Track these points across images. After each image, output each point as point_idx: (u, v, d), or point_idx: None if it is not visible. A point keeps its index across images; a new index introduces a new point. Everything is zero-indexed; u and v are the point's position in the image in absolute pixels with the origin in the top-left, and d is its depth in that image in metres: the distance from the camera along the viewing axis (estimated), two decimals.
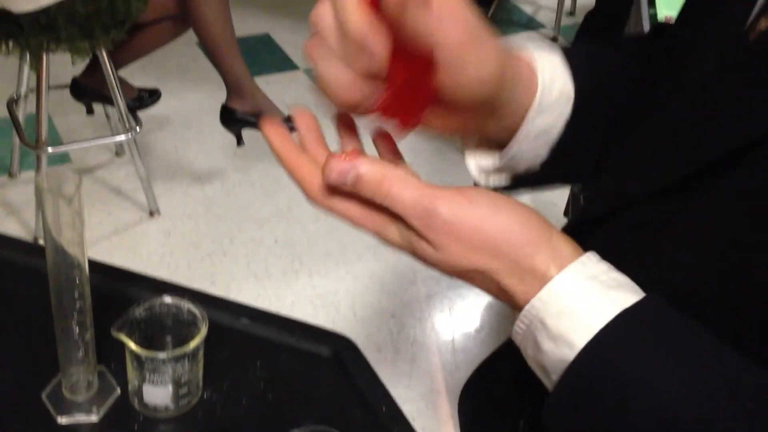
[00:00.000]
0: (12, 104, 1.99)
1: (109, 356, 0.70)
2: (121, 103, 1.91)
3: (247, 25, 2.95)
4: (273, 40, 2.97)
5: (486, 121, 0.50)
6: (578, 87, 0.53)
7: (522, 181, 0.56)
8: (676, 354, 0.40)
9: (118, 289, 0.77)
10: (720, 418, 0.38)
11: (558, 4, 3.20)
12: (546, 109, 0.52)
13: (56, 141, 2.23)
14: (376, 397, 0.71)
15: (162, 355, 0.63)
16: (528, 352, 0.44)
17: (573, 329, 0.41)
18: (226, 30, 1.92)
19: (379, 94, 0.44)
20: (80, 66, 1.97)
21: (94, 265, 0.64)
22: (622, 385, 0.40)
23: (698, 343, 0.40)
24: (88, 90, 2.08)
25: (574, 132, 0.53)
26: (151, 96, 2.19)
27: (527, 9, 3.48)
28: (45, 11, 1.63)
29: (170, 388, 0.65)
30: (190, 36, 1.98)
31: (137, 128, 1.98)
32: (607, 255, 0.45)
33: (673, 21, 0.58)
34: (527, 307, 0.43)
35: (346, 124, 0.50)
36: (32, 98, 1.93)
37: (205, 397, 0.70)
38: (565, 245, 0.44)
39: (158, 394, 0.66)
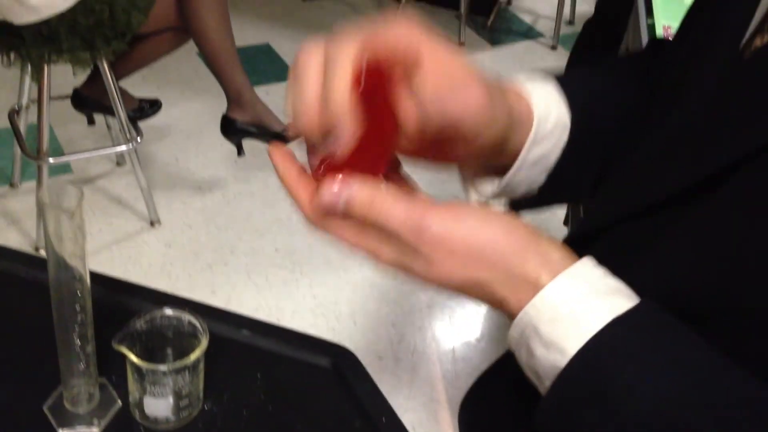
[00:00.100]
0: (13, 115, 2.00)
1: (110, 368, 0.70)
2: (122, 114, 1.92)
3: (247, 34, 2.96)
4: (273, 49, 2.98)
5: (486, 155, 0.51)
6: (574, 115, 0.55)
7: (520, 204, 0.57)
8: (668, 361, 0.40)
9: (119, 301, 0.77)
10: (710, 425, 0.38)
11: (557, 13, 3.22)
12: (542, 139, 0.53)
13: (57, 151, 2.23)
14: (376, 407, 0.71)
15: (163, 367, 0.64)
16: (522, 358, 0.45)
17: (565, 336, 0.41)
18: (226, 40, 1.93)
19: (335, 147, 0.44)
20: (81, 77, 1.98)
21: (95, 277, 0.65)
22: (613, 391, 0.40)
23: (691, 350, 0.41)
24: (90, 101, 2.09)
25: (570, 158, 0.55)
26: (152, 106, 2.20)
27: (526, 18, 3.49)
28: (47, 23, 1.64)
29: (171, 399, 0.66)
30: (190, 46, 1.98)
31: (138, 138, 1.98)
32: (606, 263, 0.45)
33: (671, 30, 0.59)
34: (520, 315, 0.43)
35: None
36: (33, 109, 1.94)
37: (205, 408, 0.70)
38: (555, 251, 0.44)
39: (159, 406, 0.66)
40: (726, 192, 0.42)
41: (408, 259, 0.44)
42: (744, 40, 0.46)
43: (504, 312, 0.45)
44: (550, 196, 0.58)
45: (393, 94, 0.44)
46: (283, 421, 0.70)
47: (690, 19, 0.57)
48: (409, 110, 0.44)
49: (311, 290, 1.97)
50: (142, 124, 2.12)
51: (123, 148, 1.99)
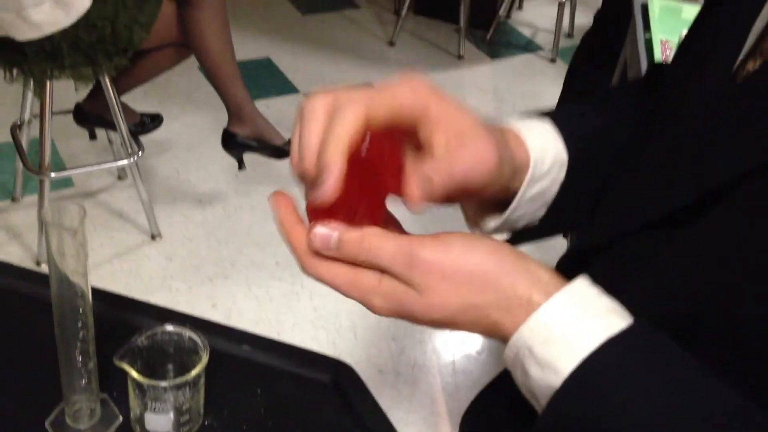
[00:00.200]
0: (15, 129, 2.01)
1: (112, 384, 0.70)
2: (124, 128, 1.93)
3: (247, 48, 2.98)
4: (273, 63, 3.00)
5: (489, 198, 0.53)
6: (571, 151, 0.56)
7: (522, 235, 0.59)
8: (663, 381, 0.41)
9: (121, 317, 0.78)
10: None
11: (556, 26, 3.24)
12: (540, 178, 0.55)
13: (59, 165, 2.24)
14: (376, 423, 0.72)
15: (164, 383, 0.64)
16: (518, 378, 0.45)
17: (559, 356, 0.42)
18: (227, 55, 1.94)
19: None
20: (83, 92, 1.99)
21: (96, 293, 0.65)
22: (608, 411, 0.40)
23: (685, 370, 0.41)
24: (91, 115, 2.10)
25: (569, 192, 0.56)
26: (153, 121, 2.21)
27: (526, 32, 3.51)
28: (49, 39, 1.66)
29: (172, 415, 0.66)
30: (191, 61, 2.00)
31: (139, 153, 2.00)
32: (604, 278, 0.46)
33: (669, 44, 0.61)
34: (515, 336, 0.44)
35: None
36: (36, 123, 1.95)
37: (206, 424, 0.70)
38: (544, 272, 0.45)
39: (160, 422, 0.66)
40: (723, 210, 0.43)
41: (401, 293, 0.44)
42: (736, 64, 0.47)
43: (498, 336, 0.45)
44: (551, 227, 0.60)
45: (395, 156, 0.45)
46: None
47: (687, 42, 0.58)
48: (414, 187, 0.45)
49: (312, 303, 1.98)
50: (144, 138, 2.13)
51: (124, 162, 2.00)
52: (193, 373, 0.65)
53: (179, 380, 0.65)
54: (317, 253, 0.46)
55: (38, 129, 1.85)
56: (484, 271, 0.44)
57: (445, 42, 3.31)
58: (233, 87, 1.97)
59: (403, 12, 3.19)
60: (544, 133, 0.56)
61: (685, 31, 0.59)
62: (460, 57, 3.20)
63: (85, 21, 1.66)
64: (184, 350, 0.68)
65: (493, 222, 0.56)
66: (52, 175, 1.88)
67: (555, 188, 0.56)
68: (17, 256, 2.00)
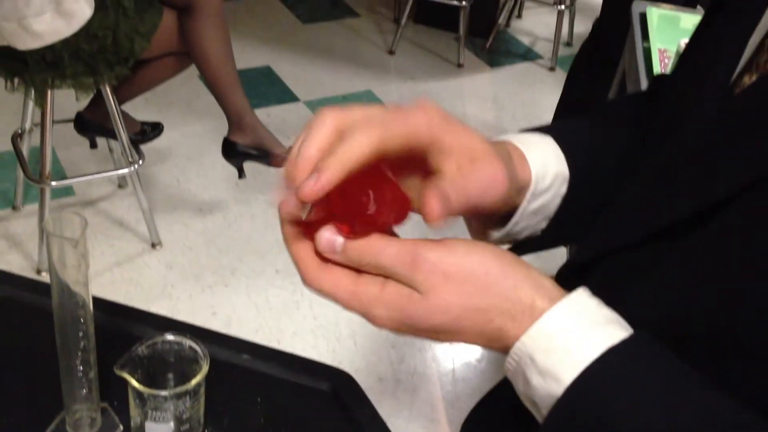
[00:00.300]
0: (16, 138, 2.02)
1: (112, 393, 0.70)
2: (124, 137, 1.94)
3: (248, 57, 2.99)
4: (274, 72, 3.01)
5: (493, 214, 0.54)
6: (572, 166, 0.57)
7: (524, 246, 0.60)
8: (662, 391, 0.41)
9: (121, 327, 0.78)
10: None
11: (555, 35, 3.25)
12: (541, 193, 0.55)
13: (60, 174, 2.25)
14: (376, 431, 0.72)
15: (164, 392, 0.64)
16: (519, 387, 0.45)
17: (561, 365, 0.42)
18: (227, 64, 1.95)
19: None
20: (84, 101, 2.00)
21: (97, 302, 0.65)
22: (609, 420, 0.41)
23: (685, 379, 0.41)
24: (92, 124, 2.10)
25: (570, 205, 0.57)
26: (154, 129, 2.22)
27: (525, 40, 3.53)
28: (50, 48, 1.67)
29: (172, 424, 0.66)
30: (192, 70, 2.01)
31: (140, 161, 2.00)
32: (603, 290, 0.46)
33: (667, 53, 0.61)
34: (517, 344, 0.44)
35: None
36: (36, 132, 1.96)
37: None
38: (545, 278, 0.45)
39: (160, 431, 0.67)
40: (722, 222, 0.43)
41: (404, 298, 0.44)
42: (734, 78, 0.48)
43: (500, 344, 0.45)
44: (553, 239, 0.60)
45: (394, 189, 0.46)
46: None
47: (687, 53, 0.59)
48: (434, 204, 0.45)
49: (312, 311, 1.98)
50: (144, 147, 2.14)
51: (125, 171, 2.00)
52: (194, 382, 0.65)
53: (179, 389, 0.65)
54: (320, 263, 0.46)
55: (39, 138, 1.86)
56: (486, 272, 0.44)
57: (444, 50, 3.32)
58: (233, 96, 1.98)
59: (403, 21, 3.21)
60: (546, 149, 0.57)
61: (683, 41, 0.60)
62: (459, 65, 3.21)
63: (87, 31, 1.67)
64: (185, 359, 0.68)
65: (496, 233, 0.57)
66: (53, 183, 1.89)
67: (557, 202, 0.57)
68: (18, 265, 2.00)
